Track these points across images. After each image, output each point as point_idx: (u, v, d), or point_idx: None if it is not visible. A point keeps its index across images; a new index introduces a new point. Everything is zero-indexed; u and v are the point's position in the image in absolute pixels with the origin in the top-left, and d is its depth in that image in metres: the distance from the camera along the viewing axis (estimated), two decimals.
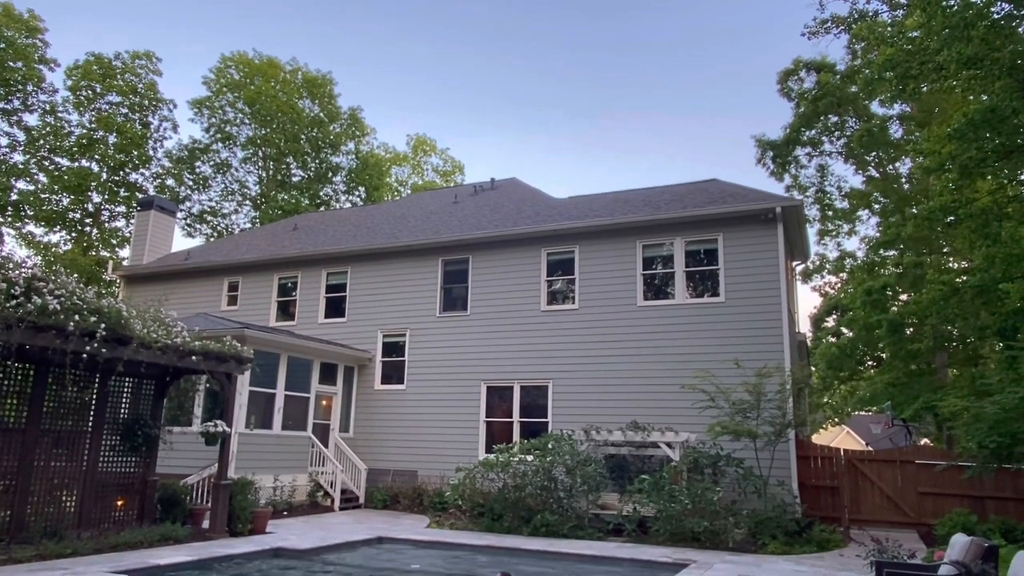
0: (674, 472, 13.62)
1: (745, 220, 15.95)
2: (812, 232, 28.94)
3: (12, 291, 8.89)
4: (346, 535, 12.56)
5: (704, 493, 12.68)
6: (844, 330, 29.22)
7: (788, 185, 28.83)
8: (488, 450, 16.92)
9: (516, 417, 17.48)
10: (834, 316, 30.93)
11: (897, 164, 27.08)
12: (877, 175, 27.23)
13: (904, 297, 24.19)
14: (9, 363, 10.10)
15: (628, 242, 17.15)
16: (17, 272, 9.16)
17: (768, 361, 14.31)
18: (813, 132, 27.57)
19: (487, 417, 17.82)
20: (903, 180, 26.61)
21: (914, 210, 21.33)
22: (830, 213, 29.56)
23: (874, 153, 26.47)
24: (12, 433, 10.27)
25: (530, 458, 14.54)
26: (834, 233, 29.87)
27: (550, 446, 14.61)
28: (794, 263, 19.02)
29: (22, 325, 8.86)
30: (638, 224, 17.02)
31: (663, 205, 17.72)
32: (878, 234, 26.68)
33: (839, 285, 32.04)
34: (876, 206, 27.27)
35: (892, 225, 22.80)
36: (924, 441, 31.95)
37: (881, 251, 25.21)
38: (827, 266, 31.09)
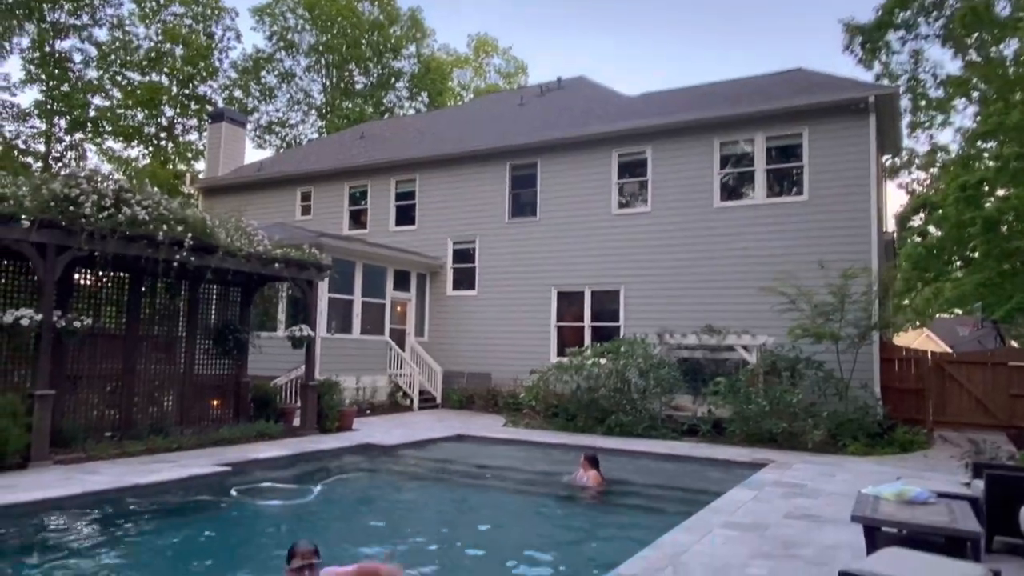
0: (751, 375, 13.49)
1: (834, 112, 14.94)
2: (902, 124, 27.01)
3: (103, 203, 9.20)
4: (427, 433, 13.08)
5: (783, 395, 12.54)
6: (932, 229, 27.69)
7: (878, 74, 26.68)
8: (560, 354, 17.09)
9: (587, 322, 17.49)
10: (922, 214, 29.29)
11: (1002, 46, 24.60)
12: (978, 59, 24.90)
13: (1002, 192, 22.56)
14: (106, 273, 10.60)
15: (705, 140, 16.38)
16: (106, 184, 9.44)
17: (854, 262, 13.69)
18: (908, 13, 25.20)
19: (558, 322, 17.91)
20: (1008, 64, 24.26)
21: (1019, 96, 19.54)
22: (922, 103, 27.41)
23: (976, 34, 24.09)
24: (115, 339, 10.92)
25: (603, 361, 14.62)
26: (926, 125, 27.72)
27: (623, 349, 14.62)
28: (884, 158, 17.89)
29: (115, 235, 9.21)
30: (716, 120, 16.19)
31: (743, 99, 16.76)
32: (975, 125, 24.69)
33: (928, 181, 30.13)
34: (975, 93, 25.09)
35: (993, 113, 20.98)
36: (1012, 343, 30.63)
37: (979, 143, 23.37)
38: (916, 161, 29.17)
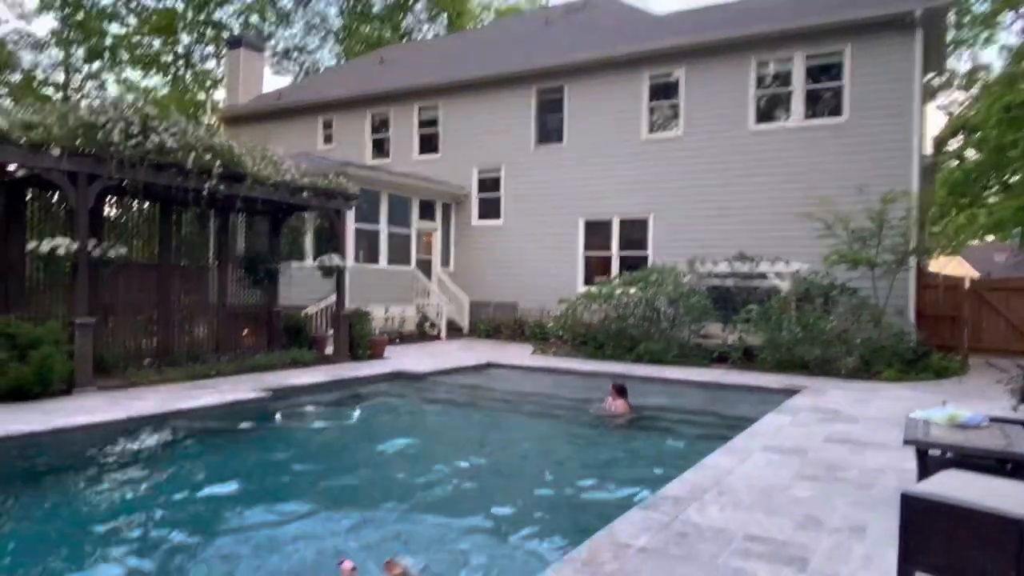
0: (783, 302, 13.34)
1: (878, 27, 14.20)
2: (948, 40, 25.79)
3: (130, 131, 9.06)
4: (457, 361, 13.19)
5: (816, 322, 12.41)
6: (970, 153, 26.78)
7: None
8: (587, 283, 17.00)
9: (615, 251, 17.32)
10: (960, 137, 28.26)
11: None
12: None
13: None
14: (137, 202, 10.57)
15: (740, 60, 15.73)
16: (132, 111, 9.29)
17: (894, 186, 13.27)
18: None
19: (585, 251, 17.75)
20: None
21: None
22: (966, 19, 26.10)
23: None
24: (148, 269, 11.00)
25: (632, 290, 14.52)
26: (969, 42, 26.52)
27: (653, 278, 14.50)
28: (927, 77, 17.12)
29: (144, 163, 9.12)
30: (752, 38, 15.50)
31: (781, 14, 15.98)
32: (1023, 41, 23.52)
33: (967, 103, 28.97)
34: None
35: None
36: None
37: None
38: (956, 81, 28.00)
